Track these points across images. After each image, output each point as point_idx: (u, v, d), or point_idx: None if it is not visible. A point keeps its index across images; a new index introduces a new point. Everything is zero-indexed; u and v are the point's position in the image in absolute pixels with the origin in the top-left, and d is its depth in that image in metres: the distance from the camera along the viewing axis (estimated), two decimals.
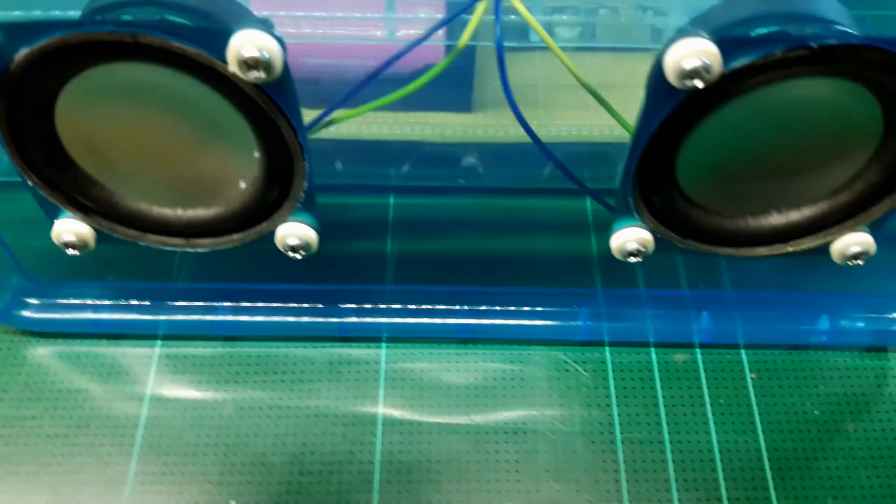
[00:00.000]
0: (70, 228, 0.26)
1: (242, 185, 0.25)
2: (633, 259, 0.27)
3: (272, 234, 0.27)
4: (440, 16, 0.31)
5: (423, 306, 0.31)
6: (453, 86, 0.32)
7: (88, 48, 0.21)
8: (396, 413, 0.30)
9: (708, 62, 0.20)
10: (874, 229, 0.26)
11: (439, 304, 0.31)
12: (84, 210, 0.26)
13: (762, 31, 0.21)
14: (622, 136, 0.26)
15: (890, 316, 0.31)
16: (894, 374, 0.31)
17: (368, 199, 0.34)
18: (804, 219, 0.26)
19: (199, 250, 0.27)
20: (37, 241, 0.29)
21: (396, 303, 0.31)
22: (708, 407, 0.30)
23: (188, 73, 0.22)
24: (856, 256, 0.27)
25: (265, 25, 0.21)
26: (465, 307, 0.31)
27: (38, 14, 0.23)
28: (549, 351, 0.31)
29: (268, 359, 0.31)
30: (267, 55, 0.20)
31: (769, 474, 0.29)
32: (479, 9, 0.25)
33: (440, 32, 0.30)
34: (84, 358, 0.31)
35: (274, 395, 0.30)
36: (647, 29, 0.29)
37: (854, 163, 0.25)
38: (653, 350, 0.31)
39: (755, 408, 0.30)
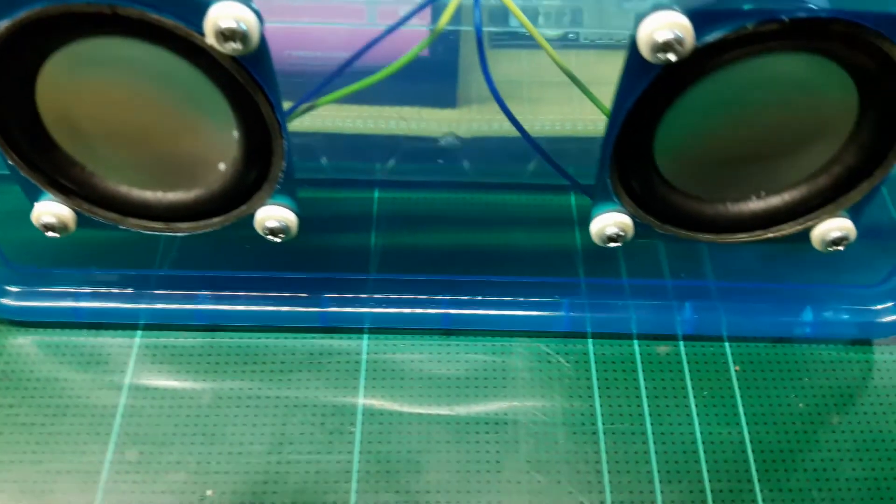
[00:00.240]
0: (50, 210, 0.26)
1: (222, 166, 0.25)
2: (613, 244, 0.27)
3: (252, 218, 0.27)
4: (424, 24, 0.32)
5: (406, 296, 0.31)
6: (438, 81, 0.33)
7: (68, 20, 0.21)
8: (377, 403, 0.30)
9: (680, 34, 0.20)
10: (854, 214, 0.26)
11: (422, 294, 0.30)
12: (64, 192, 0.26)
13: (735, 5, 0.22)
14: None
15: (874, 308, 0.31)
16: (879, 366, 0.31)
17: (353, 193, 0.35)
18: (784, 204, 0.26)
19: (180, 234, 0.27)
20: (18, 230, 0.29)
21: (379, 292, 0.31)
22: (691, 399, 0.30)
23: (167, 48, 0.22)
24: (836, 242, 0.26)
25: None
26: (448, 297, 0.31)
27: None
28: (532, 343, 0.31)
29: (248, 349, 0.31)
30: (244, 26, 0.20)
31: (753, 466, 0.29)
32: None
33: (425, 23, 0.31)
34: (64, 347, 0.31)
35: (253, 386, 0.30)
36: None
37: (832, 145, 0.25)
38: (636, 342, 0.31)
39: (739, 400, 0.30)
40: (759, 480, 0.28)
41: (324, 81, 0.26)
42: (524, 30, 0.26)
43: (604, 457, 0.29)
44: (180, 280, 0.30)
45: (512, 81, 0.34)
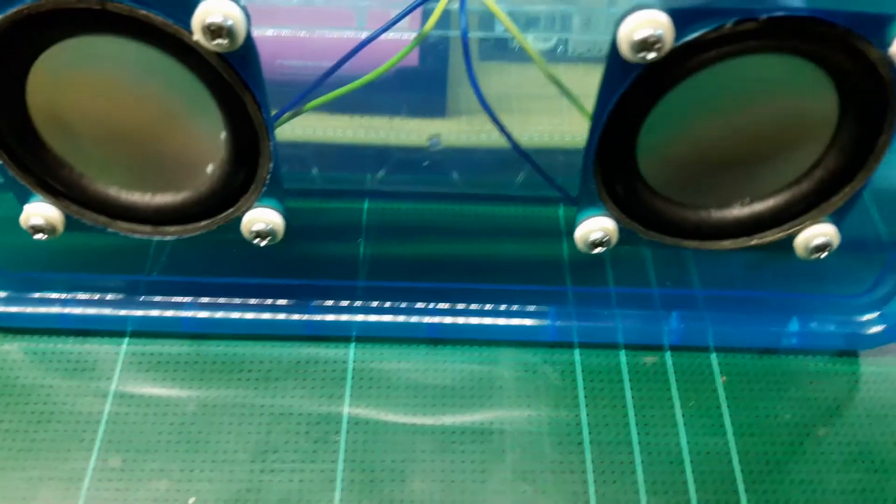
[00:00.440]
0: (39, 212, 0.26)
1: (210, 168, 0.26)
2: (597, 249, 0.27)
3: (239, 221, 0.27)
4: (414, 32, 0.32)
5: (393, 304, 0.31)
6: (427, 92, 0.33)
7: (57, 17, 0.22)
8: (362, 413, 0.30)
9: (659, 32, 0.21)
10: (837, 219, 0.26)
11: (409, 303, 0.31)
12: (54, 193, 0.26)
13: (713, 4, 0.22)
14: None
15: (860, 319, 0.31)
16: (865, 378, 0.31)
17: (343, 203, 0.35)
18: (767, 210, 0.27)
19: (167, 238, 0.27)
20: (6, 236, 0.29)
21: (366, 300, 0.31)
22: (678, 409, 0.30)
23: (156, 46, 0.22)
24: (820, 248, 0.27)
25: None
26: (436, 305, 0.31)
27: None
28: (518, 352, 0.31)
29: (234, 357, 0.31)
30: (230, 22, 0.21)
31: (739, 477, 0.29)
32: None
33: (415, 30, 0.31)
34: (50, 354, 0.31)
35: (238, 394, 0.30)
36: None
37: (814, 150, 0.25)
38: (622, 352, 0.31)
39: (725, 410, 0.30)
40: (745, 491, 0.28)
41: (312, 85, 0.27)
42: (511, 35, 0.26)
43: (589, 466, 0.29)
44: (169, 286, 0.30)
45: (501, 94, 0.34)
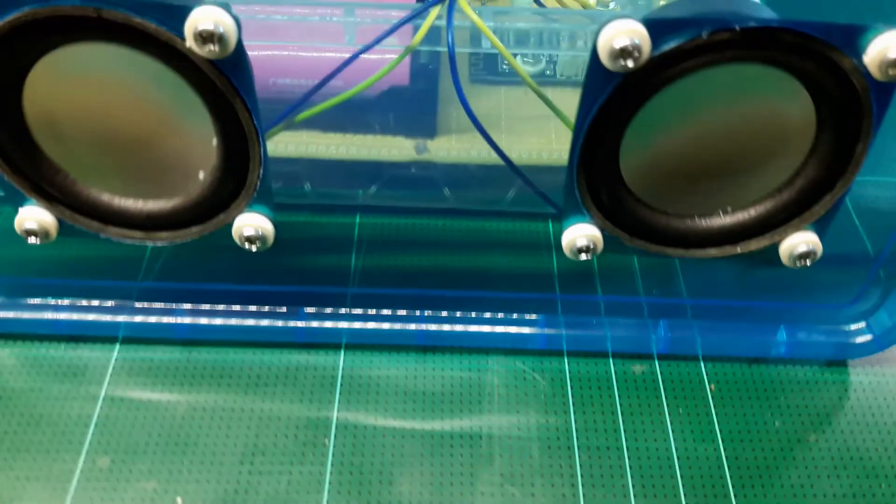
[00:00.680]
0: (33, 216, 0.27)
1: (201, 175, 0.26)
2: (583, 256, 0.27)
3: (230, 227, 0.27)
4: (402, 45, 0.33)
5: (384, 311, 0.31)
6: (418, 112, 0.34)
7: (55, 24, 0.22)
8: (351, 417, 0.30)
9: (637, 42, 0.21)
10: (819, 228, 0.27)
11: (399, 310, 0.31)
12: (48, 198, 0.26)
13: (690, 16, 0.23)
14: None
15: (848, 328, 0.31)
16: (855, 387, 0.31)
17: (335, 218, 0.35)
18: (751, 219, 0.27)
19: (159, 244, 0.27)
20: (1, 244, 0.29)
21: (357, 307, 0.31)
22: (667, 416, 0.30)
23: (149, 54, 0.23)
24: (804, 256, 0.27)
25: (223, 5, 0.22)
26: (426, 313, 0.31)
27: None
28: (508, 360, 0.31)
29: (225, 363, 0.31)
30: (221, 29, 0.21)
31: (730, 482, 0.28)
32: (433, 13, 0.26)
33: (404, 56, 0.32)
34: (42, 359, 0.31)
35: (228, 398, 0.30)
36: None
37: (794, 159, 0.26)
38: (611, 360, 0.31)
39: (715, 417, 0.30)
40: (735, 496, 0.28)
41: (304, 97, 0.27)
42: (497, 52, 0.27)
43: (578, 471, 0.29)
44: (161, 293, 0.31)
45: (490, 114, 0.35)
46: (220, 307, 0.31)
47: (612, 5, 0.35)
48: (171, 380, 0.31)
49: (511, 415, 0.30)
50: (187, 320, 0.31)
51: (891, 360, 0.32)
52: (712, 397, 0.31)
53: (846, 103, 0.23)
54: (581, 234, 0.27)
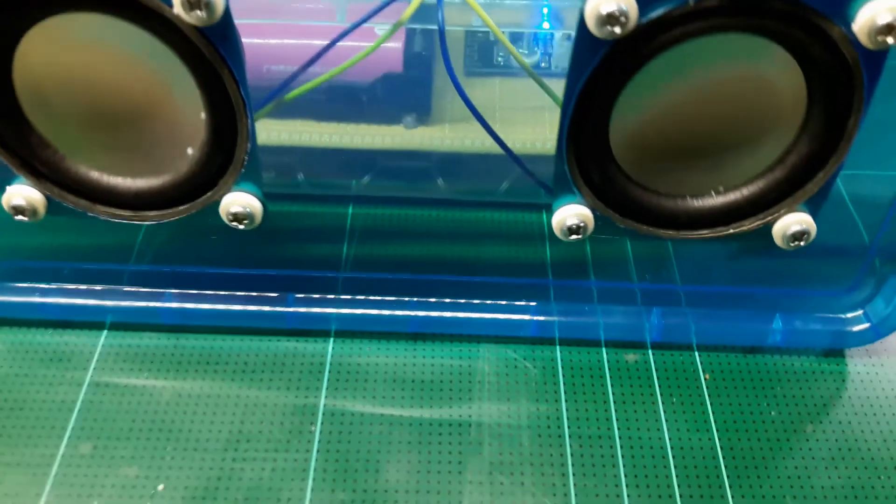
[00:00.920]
0: (21, 193, 0.26)
1: (190, 151, 0.26)
2: (574, 237, 0.27)
3: (218, 205, 0.27)
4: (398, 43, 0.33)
5: (374, 297, 0.30)
6: (412, 99, 0.34)
7: None
8: (338, 404, 0.29)
9: (624, 7, 0.21)
10: (812, 208, 0.26)
11: (390, 296, 0.30)
12: (36, 175, 0.26)
13: None
14: None
15: (844, 317, 0.30)
16: (853, 377, 0.30)
17: (328, 208, 0.35)
18: (743, 198, 0.27)
19: (147, 223, 0.27)
20: None
21: (347, 293, 0.30)
22: (660, 405, 0.30)
23: (137, 23, 0.23)
24: (797, 237, 0.26)
25: None
26: (416, 299, 0.30)
27: None
28: (499, 348, 0.31)
29: (212, 350, 0.31)
30: None
31: (724, 472, 0.28)
32: None
33: (399, 41, 0.32)
34: (28, 345, 0.31)
35: (214, 385, 0.30)
36: None
37: (786, 136, 0.25)
38: (604, 349, 0.31)
39: (709, 407, 0.29)
40: (730, 486, 0.27)
41: (293, 74, 0.27)
42: (487, 28, 0.27)
43: (569, 460, 0.28)
44: (148, 276, 0.30)
45: (485, 105, 0.35)
46: (209, 292, 0.30)
47: None
48: (158, 366, 0.30)
49: (501, 403, 0.29)
50: (176, 305, 0.30)
51: (889, 351, 0.31)
52: (707, 387, 0.30)
53: (836, 74, 0.23)
54: (571, 214, 0.26)
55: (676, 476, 0.28)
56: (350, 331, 0.31)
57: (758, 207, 0.27)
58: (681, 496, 0.27)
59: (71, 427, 0.28)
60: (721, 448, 0.28)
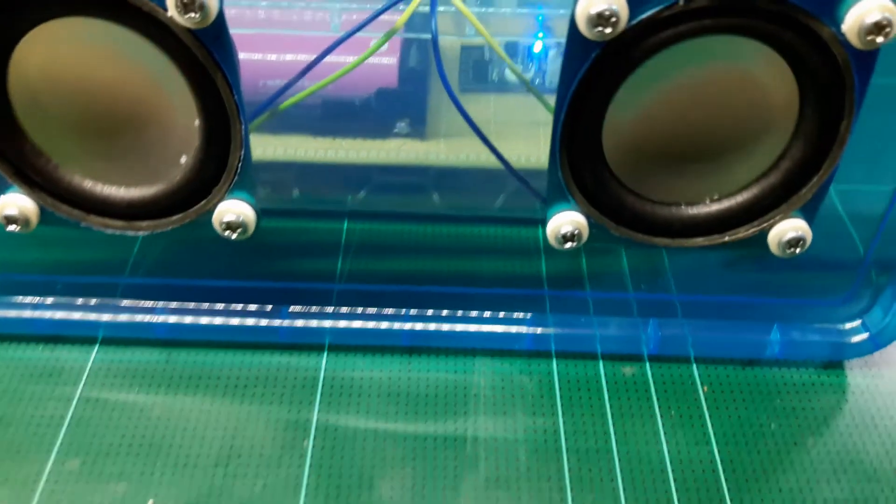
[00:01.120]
0: (13, 202, 0.26)
1: (183, 159, 0.26)
2: (569, 244, 0.27)
3: (211, 215, 0.27)
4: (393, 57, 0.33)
5: (369, 310, 0.30)
6: (408, 115, 0.34)
7: None
8: (332, 419, 0.29)
9: (615, 7, 0.21)
10: (807, 214, 0.26)
11: (384, 308, 0.30)
12: (29, 184, 0.26)
13: None
14: None
15: (843, 327, 0.30)
16: (853, 389, 0.30)
17: (323, 224, 0.35)
18: (738, 205, 0.26)
19: (140, 233, 0.27)
20: None
21: (343, 305, 0.30)
22: (658, 419, 0.29)
23: (132, 27, 0.23)
24: (793, 243, 0.26)
25: None
26: (412, 311, 0.30)
27: None
28: (495, 362, 0.31)
29: (205, 365, 0.30)
30: None
31: (725, 486, 0.27)
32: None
33: (395, 56, 0.32)
34: (18, 360, 0.30)
35: (206, 399, 0.29)
36: None
37: (779, 141, 0.25)
38: (601, 362, 0.31)
39: (708, 420, 0.29)
40: (731, 500, 0.27)
41: (284, 86, 0.27)
42: (481, 36, 0.27)
43: (567, 474, 0.27)
44: (141, 290, 0.30)
45: (480, 121, 0.35)
46: (204, 306, 0.30)
47: None
48: (149, 381, 0.30)
49: (497, 417, 0.29)
50: (170, 319, 0.30)
51: (888, 363, 0.31)
52: (705, 399, 0.30)
53: (827, 77, 0.23)
54: (566, 221, 0.26)
55: (676, 490, 0.27)
56: (344, 345, 0.31)
57: (753, 214, 0.27)
58: None
59: (59, 443, 0.28)
60: (721, 461, 0.28)
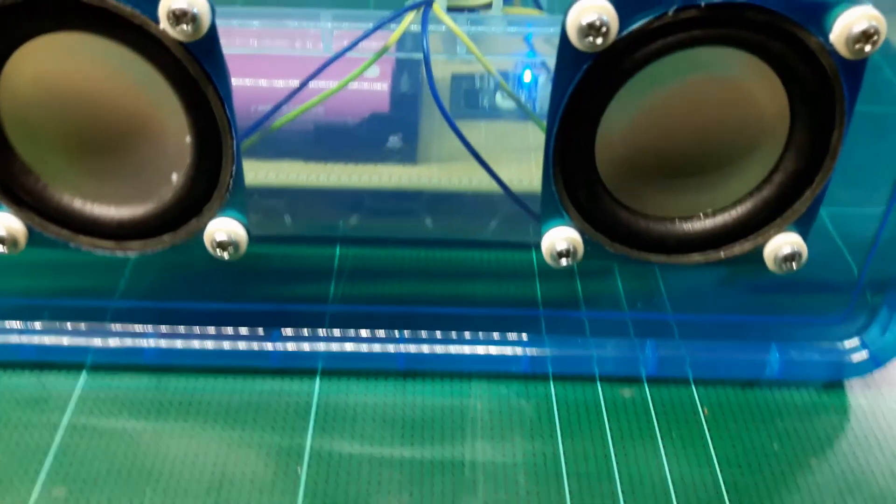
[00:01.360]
0: (2, 223, 0.26)
1: (174, 177, 0.26)
2: (564, 261, 0.26)
3: (202, 234, 0.26)
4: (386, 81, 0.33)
5: (362, 332, 0.30)
6: (399, 139, 0.34)
7: (29, 10, 0.22)
8: (326, 445, 0.28)
9: (605, 18, 0.22)
10: (802, 228, 0.26)
11: (379, 330, 0.30)
12: (18, 203, 0.26)
13: None
14: None
15: (842, 346, 0.30)
16: (855, 410, 0.30)
17: (315, 249, 0.35)
18: (732, 220, 0.26)
19: (130, 254, 0.27)
20: None
21: (336, 327, 0.30)
22: (659, 441, 0.28)
23: (123, 41, 0.23)
24: (789, 259, 0.26)
25: None
26: (406, 333, 0.30)
27: None
28: (492, 385, 0.30)
29: (195, 391, 0.30)
30: (195, 9, 0.22)
31: None
32: (407, 18, 0.27)
33: (386, 81, 0.32)
34: (3, 388, 0.29)
35: (196, 426, 0.28)
36: None
37: (772, 154, 0.26)
38: (599, 385, 0.30)
39: (710, 442, 0.28)
40: None
41: (276, 106, 0.27)
42: (472, 55, 0.27)
43: (568, 499, 0.27)
44: (130, 313, 0.30)
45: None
46: (195, 330, 0.30)
47: None
48: (138, 408, 0.29)
49: (496, 441, 0.28)
50: (161, 343, 0.29)
51: (890, 383, 0.30)
52: (706, 421, 0.29)
53: (817, 88, 0.23)
54: (560, 238, 0.26)
55: None
56: (337, 369, 0.30)
57: (747, 229, 0.27)
58: None
59: (45, 471, 0.27)
60: (724, 483, 0.27)
